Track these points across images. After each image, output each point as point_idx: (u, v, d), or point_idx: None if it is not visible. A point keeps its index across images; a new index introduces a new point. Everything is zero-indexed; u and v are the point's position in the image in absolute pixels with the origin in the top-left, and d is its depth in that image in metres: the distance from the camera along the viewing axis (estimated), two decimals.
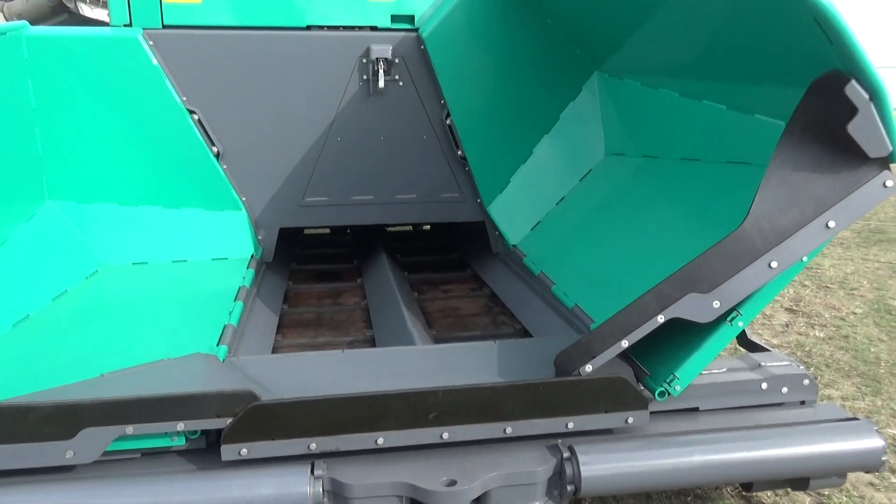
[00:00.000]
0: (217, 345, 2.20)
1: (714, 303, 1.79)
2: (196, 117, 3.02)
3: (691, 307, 1.79)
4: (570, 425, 1.89)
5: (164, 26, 2.93)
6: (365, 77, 3.13)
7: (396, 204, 3.36)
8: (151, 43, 2.91)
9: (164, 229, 3.07)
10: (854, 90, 1.60)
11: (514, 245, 3.26)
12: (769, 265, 1.76)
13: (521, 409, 1.86)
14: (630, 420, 1.92)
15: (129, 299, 2.64)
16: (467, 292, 3.45)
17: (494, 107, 3.24)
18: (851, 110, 1.62)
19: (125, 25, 2.92)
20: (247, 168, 3.17)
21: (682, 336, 1.92)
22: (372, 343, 2.79)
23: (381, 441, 1.82)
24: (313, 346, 2.77)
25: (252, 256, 3.12)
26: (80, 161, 2.95)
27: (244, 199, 3.19)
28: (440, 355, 2.26)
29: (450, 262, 4.06)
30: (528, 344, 2.38)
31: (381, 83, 3.07)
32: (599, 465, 1.85)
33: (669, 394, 1.89)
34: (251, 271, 2.95)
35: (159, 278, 2.88)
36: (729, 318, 1.85)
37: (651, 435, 1.98)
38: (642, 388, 1.96)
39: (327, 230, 4.97)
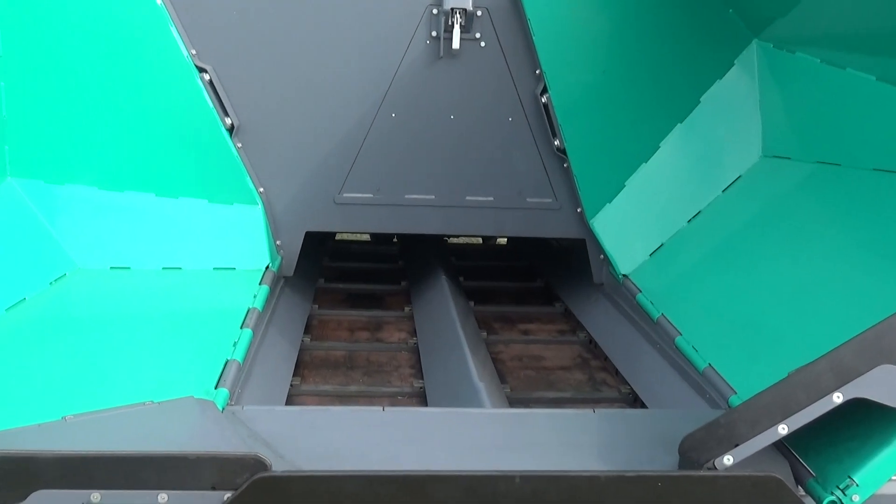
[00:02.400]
0: (215, 387, 2.21)
1: None
2: (207, 77, 3.07)
3: (883, 385, 1.75)
4: None
5: None
6: (434, 34, 3.13)
7: (466, 208, 3.35)
8: None
9: (154, 224, 3.11)
10: None
11: (624, 275, 3.22)
12: None
13: None
14: None
15: (103, 316, 2.68)
16: (555, 335, 3.41)
17: (608, 82, 3.20)
18: None
19: None
20: (268, 149, 3.20)
21: (867, 424, 1.86)
22: (422, 399, 2.78)
23: None
24: (342, 396, 2.77)
25: (267, 268, 3.14)
26: (53, 128, 3.01)
27: (262, 189, 3.23)
28: (516, 424, 2.23)
29: (533, 291, 4.04)
30: (639, 417, 2.35)
31: (456, 43, 3.07)
32: None
33: None
34: (265, 288, 2.97)
35: (144, 290, 2.92)
36: None
37: None
38: (803, 493, 1.90)
39: (367, 237, 5.01)
